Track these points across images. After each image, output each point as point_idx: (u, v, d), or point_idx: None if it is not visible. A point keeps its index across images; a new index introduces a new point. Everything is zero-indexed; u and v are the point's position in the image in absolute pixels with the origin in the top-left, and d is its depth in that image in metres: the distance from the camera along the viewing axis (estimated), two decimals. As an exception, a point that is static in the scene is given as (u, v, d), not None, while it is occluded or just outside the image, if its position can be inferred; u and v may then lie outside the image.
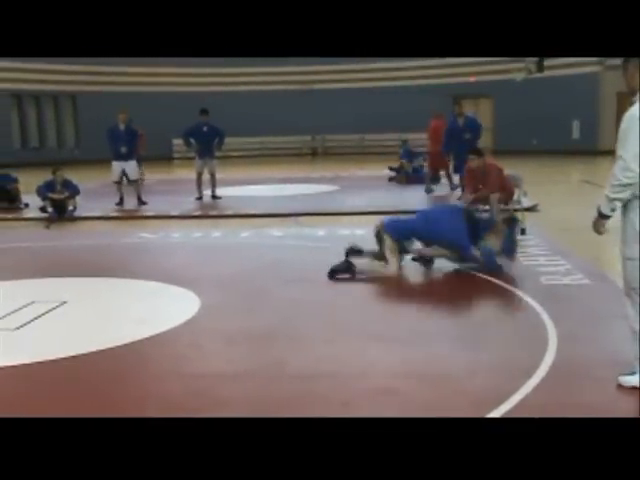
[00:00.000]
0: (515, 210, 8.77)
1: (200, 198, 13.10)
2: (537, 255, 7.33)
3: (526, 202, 9.56)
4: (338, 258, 7.49)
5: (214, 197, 13.27)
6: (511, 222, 6.91)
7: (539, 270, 6.65)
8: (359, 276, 6.54)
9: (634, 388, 3.74)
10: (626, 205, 3.68)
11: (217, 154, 13.61)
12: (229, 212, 11.64)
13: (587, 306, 5.36)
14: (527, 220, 8.76)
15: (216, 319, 5.39)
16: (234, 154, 24.42)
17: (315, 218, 10.59)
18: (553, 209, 10.64)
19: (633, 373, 3.78)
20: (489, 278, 6.43)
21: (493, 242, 6.71)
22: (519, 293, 5.86)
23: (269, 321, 5.29)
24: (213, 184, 13.32)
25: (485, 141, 23.10)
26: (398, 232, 6.69)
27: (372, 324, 5.15)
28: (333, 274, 6.53)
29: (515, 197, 8.88)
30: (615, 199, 3.65)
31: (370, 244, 7.09)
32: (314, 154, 27.45)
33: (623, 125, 3.62)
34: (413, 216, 6.99)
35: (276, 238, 8.90)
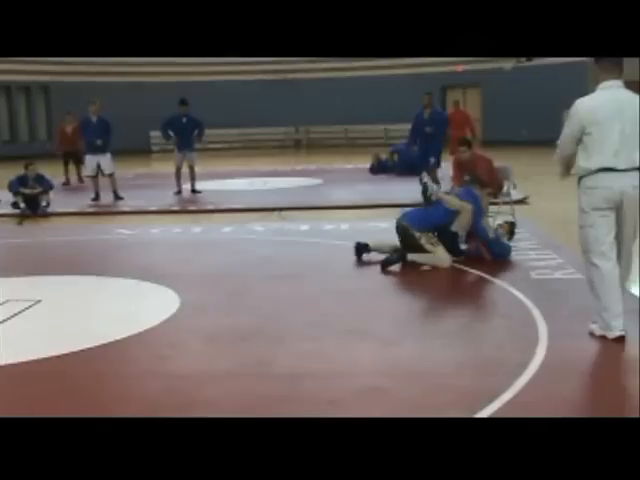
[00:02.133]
0: (504, 203, 8.82)
1: (179, 192, 13.06)
2: (527, 249, 7.37)
3: (516, 195, 9.61)
4: (323, 253, 7.51)
5: (194, 191, 13.22)
6: (512, 229, 7.54)
7: (529, 264, 6.70)
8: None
9: (623, 386, 3.78)
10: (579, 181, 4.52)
11: (197, 146, 13.57)
12: (210, 207, 11.61)
13: (579, 301, 5.39)
14: (517, 213, 8.80)
15: (197, 317, 5.38)
16: (214, 146, 24.33)
17: (299, 212, 10.59)
18: (543, 202, 10.70)
19: (595, 322, 4.56)
20: (479, 273, 6.47)
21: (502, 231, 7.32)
22: (509, 288, 5.90)
23: (252, 319, 5.29)
24: (193, 178, 13.27)
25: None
26: (422, 223, 6.80)
27: (358, 321, 5.17)
28: (385, 266, 6.61)
29: (504, 189, 8.92)
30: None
31: (361, 238, 7.13)
32: (297, 146, 27.42)
33: None
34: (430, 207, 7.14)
35: (259, 233, 8.89)
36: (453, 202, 6.96)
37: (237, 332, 4.97)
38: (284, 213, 10.53)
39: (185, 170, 13.20)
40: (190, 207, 11.80)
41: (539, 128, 24.25)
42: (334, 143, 26.59)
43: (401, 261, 6.66)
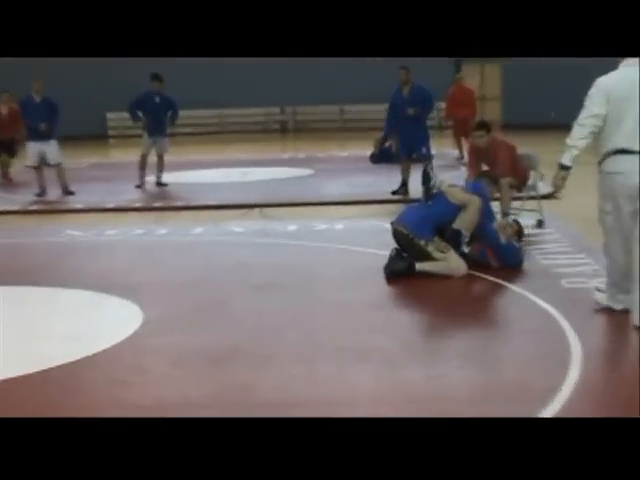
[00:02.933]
0: (530, 198, 8.84)
1: (142, 185, 13.04)
2: (557, 253, 7.41)
3: (543, 188, 9.64)
4: (314, 258, 7.51)
5: (159, 184, 13.20)
6: (520, 230, 7.60)
7: (560, 271, 6.73)
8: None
9: None
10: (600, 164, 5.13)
11: (167, 131, 13.51)
12: (178, 203, 11.61)
13: (619, 315, 5.42)
14: (545, 210, 8.83)
15: (163, 336, 5.38)
16: (184, 131, 24.29)
17: (285, 210, 10.59)
18: (576, 196, 10.70)
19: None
20: (499, 281, 6.49)
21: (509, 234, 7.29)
22: (535, 299, 5.93)
23: (230, 337, 5.30)
24: (160, 169, 13.23)
25: (492, 114, 23.22)
26: (422, 226, 6.75)
27: (356, 339, 5.18)
28: (390, 278, 6.60)
29: (530, 182, 8.96)
30: (572, 146, 5.22)
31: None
32: (283, 130, 27.42)
33: None
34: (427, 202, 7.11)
35: (237, 235, 8.90)
36: (458, 195, 6.92)
37: (212, 353, 4.97)
38: (267, 210, 10.53)
39: (152, 159, 13.17)
40: (155, 204, 11.77)
41: (570, 109, 24.28)
42: (327, 126, 26.58)
43: (409, 272, 6.60)
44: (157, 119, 13.03)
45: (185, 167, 15.81)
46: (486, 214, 6.92)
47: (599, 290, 5.55)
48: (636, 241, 5.06)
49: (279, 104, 27.33)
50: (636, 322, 5.05)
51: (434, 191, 6.94)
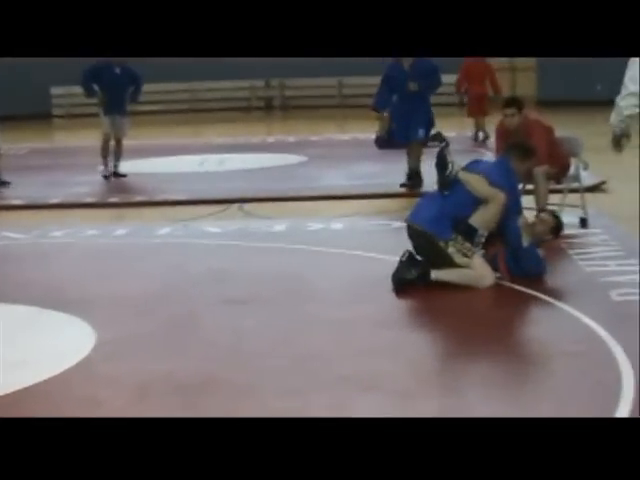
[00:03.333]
0: (572, 190, 8.85)
1: (109, 175, 13.08)
2: (605, 258, 7.41)
3: (587, 178, 9.65)
4: (307, 265, 7.53)
5: (117, 175, 13.21)
6: (558, 226, 7.29)
7: (608, 280, 6.74)
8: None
9: None
10: None
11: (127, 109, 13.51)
12: (140, 198, 11.63)
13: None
14: (589, 206, 8.84)
15: (121, 361, 5.39)
16: (148, 108, 24.28)
17: (271, 206, 10.61)
18: (627, 188, 10.73)
19: None
20: (534, 293, 6.50)
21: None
22: (578, 314, 5.94)
23: (202, 363, 5.31)
24: (118, 156, 13.26)
25: (525, 88, 23.24)
26: (440, 222, 6.75)
27: (359, 365, 5.19)
28: (400, 287, 6.60)
29: (571, 171, 8.97)
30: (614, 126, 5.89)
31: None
32: (269, 108, 27.43)
33: None
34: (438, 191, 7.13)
35: (212, 237, 8.91)
36: (479, 187, 6.86)
37: (180, 382, 4.98)
38: (249, 207, 10.53)
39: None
40: (111, 198, 11.78)
41: (620, 81, 24.31)
42: (322, 103, 26.58)
43: (422, 282, 6.61)
44: (116, 94, 13.04)
45: (148, 153, 15.81)
46: (511, 206, 6.90)
47: None
48: None
49: (263, 76, 27.28)
50: None
51: (451, 178, 6.89)
